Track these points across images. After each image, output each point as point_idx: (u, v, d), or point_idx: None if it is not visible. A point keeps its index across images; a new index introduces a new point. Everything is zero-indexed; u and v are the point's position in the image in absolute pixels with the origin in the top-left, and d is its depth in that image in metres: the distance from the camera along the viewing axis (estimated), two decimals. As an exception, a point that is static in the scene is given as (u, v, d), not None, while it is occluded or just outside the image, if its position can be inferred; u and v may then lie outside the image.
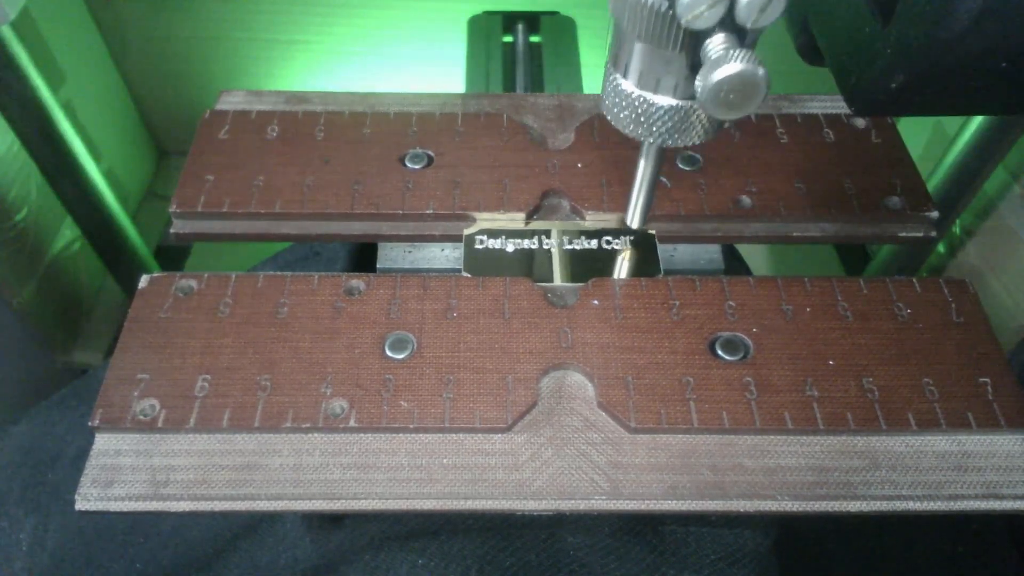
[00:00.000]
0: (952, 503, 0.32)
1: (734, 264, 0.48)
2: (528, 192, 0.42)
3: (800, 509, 0.32)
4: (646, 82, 0.30)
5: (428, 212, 0.40)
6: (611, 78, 0.31)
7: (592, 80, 0.71)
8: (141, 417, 0.33)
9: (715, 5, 0.25)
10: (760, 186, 0.42)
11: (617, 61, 0.30)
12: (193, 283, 0.37)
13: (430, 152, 0.43)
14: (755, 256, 0.89)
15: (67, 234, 0.77)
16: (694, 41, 0.27)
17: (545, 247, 0.40)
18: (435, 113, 0.46)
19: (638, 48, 0.29)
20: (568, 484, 0.32)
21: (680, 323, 0.36)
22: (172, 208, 0.40)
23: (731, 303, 0.37)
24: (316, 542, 0.40)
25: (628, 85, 0.30)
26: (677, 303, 0.37)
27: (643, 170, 0.35)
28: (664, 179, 0.42)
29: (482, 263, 0.39)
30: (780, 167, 0.42)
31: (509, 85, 0.70)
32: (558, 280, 0.39)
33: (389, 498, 0.32)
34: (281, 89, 0.48)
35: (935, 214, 0.41)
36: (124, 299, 0.86)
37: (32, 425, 0.47)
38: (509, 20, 0.77)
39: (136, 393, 0.33)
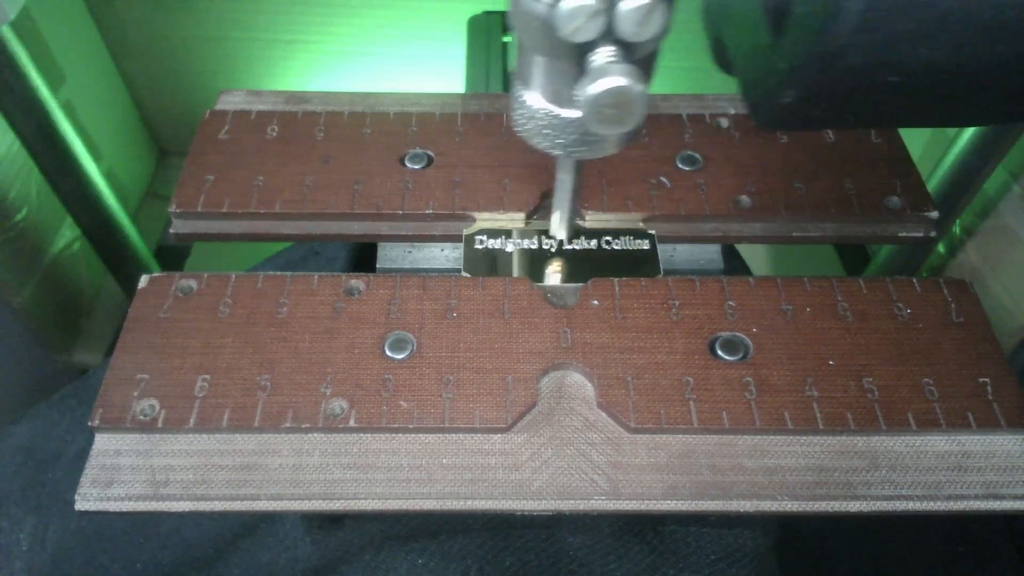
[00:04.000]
0: (952, 503, 0.32)
1: (734, 264, 0.48)
2: (528, 192, 0.41)
3: (800, 509, 0.32)
4: (548, 95, 0.29)
5: (428, 212, 0.40)
6: (516, 92, 0.30)
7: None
8: (141, 417, 0.33)
9: (594, 16, 0.25)
10: (760, 186, 0.42)
11: (520, 74, 0.30)
12: (193, 283, 0.37)
13: (430, 152, 0.43)
14: (755, 256, 0.89)
15: (67, 234, 0.77)
16: (585, 53, 0.26)
17: (545, 247, 0.40)
18: (435, 113, 0.46)
19: (537, 60, 0.28)
20: (568, 484, 0.32)
21: (680, 323, 0.36)
22: (172, 208, 0.40)
23: (731, 303, 0.37)
24: (316, 542, 0.40)
25: (532, 98, 0.30)
26: (677, 303, 0.37)
27: (561, 183, 0.35)
28: (664, 179, 0.42)
29: (482, 263, 0.39)
30: (780, 167, 0.42)
31: (509, 85, 0.70)
32: (558, 280, 0.39)
33: (389, 498, 0.32)
34: (281, 89, 0.48)
35: (935, 214, 0.41)
36: (124, 299, 0.85)
37: (32, 425, 0.47)
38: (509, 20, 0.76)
39: (136, 393, 0.33)
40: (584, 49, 0.26)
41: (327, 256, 0.50)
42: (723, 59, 0.28)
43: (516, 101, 0.31)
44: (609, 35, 0.25)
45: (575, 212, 0.37)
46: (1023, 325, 0.62)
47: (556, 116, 0.30)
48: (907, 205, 0.41)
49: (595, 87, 0.25)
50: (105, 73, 0.91)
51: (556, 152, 0.31)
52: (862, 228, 0.41)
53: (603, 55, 0.26)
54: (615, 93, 0.25)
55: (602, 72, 0.25)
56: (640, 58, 0.27)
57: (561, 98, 0.29)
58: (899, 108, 0.24)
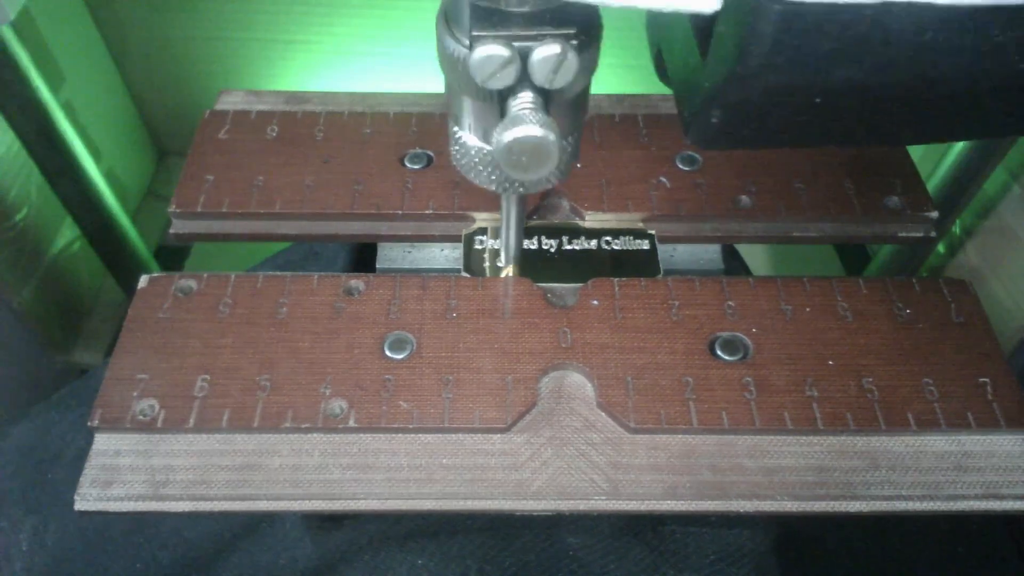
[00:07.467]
0: (952, 503, 0.32)
1: (734, 264, 0.48)
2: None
3: (800, 509, 0.32)
4: (478, 133, 0.29)
5: (428, 212, 0.40)
6: (453, 131, 0.31)
7: (592, 80, 0.71)
8: (140, 417, 0.33)
9: (506, 65, 0.25)
10: (760, 186, 0.42)
11: (451, 112, 0.30)
12: (193, 283, 0.37)
13: (430, 152, 0.43)
14: (755, 256, 0.89)
15: (67, 234, 0.77)
16: (507, 97, 0.27)
17: (545, 247, 0.40)
18: (435, 113, 0.46)
19: (465, 101, 0.29)
20: (568, 484, 0.32)
21: (680, 323, 0.36)
22: (172, 208, 0.40)
23: (731, 303, 0.37)
24: (316, 542, 0.40)
25: (465, 136, 0.30)
26: (677, 303, 0.37)
27: (505, 215, 0.35)
28: (664, 179, 0.42)
29: (482, 263, 0.39)
30: (780, 167, 0.42)
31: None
32: (558, 280, 0.39)
33: (389, 498, 0.32)
34: (281, 89, 0.48)
35: (935, 214, 0.41)
36: (124, 299, 0.85)
37: (32, 425, 0.46)
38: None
39: (135, 393, 0.33)
40: (505, 93, 0.26)
41: (327, 256, 0.50)
42: (663, 72, 0.28)
43: (451, 138, 0.31)
44: (528, 81, 0.26)
45: (520, 242, 0.37)
46: (1023, 325, 0.62)
47: (488, 154, 0.30)
48: (907, 205, 0.41)
49: (507, 135, 0.26)
50: (105, 73, 0.91)
51: (492, 188, 0.31)
52: (862, 228, 0.41)
53: (521, 102, 0.26)
54: (527, 142, 0.25)
55: (516, 121, 0.25)
56: (565, 103, 0.27)
57: (490, 137, 0.29)
58: (828, 128, 0.24)
